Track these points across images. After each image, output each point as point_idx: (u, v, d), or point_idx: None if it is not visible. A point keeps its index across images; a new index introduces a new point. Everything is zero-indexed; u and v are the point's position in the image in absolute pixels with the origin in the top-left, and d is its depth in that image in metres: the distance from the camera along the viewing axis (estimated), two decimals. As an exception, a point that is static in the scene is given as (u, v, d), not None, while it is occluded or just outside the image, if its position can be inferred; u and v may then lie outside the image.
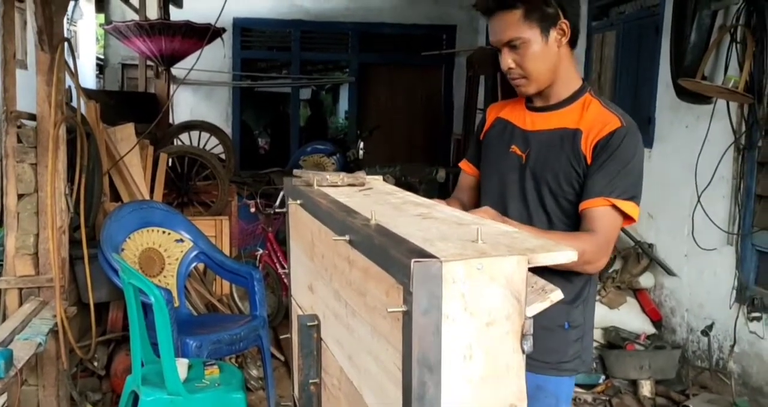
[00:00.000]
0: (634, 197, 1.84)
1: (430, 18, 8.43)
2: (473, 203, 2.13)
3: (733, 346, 3.92)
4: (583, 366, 2.01)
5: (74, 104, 4.30)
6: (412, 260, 0.88)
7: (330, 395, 1.37)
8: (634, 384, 4.17)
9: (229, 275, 3.88)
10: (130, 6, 7.44)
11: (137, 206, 3.83)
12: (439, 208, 1.37)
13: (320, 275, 1.42)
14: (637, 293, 4.73)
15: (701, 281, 4.25)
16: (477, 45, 8.27)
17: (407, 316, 0.91)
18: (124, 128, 4.52)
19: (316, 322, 1.40)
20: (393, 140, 8.41)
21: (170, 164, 5.05)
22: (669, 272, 4.54)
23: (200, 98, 8.21)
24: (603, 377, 4.30)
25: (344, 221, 1.19)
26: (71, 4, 8.47)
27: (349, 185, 1.62)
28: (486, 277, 0.93)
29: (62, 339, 3.19)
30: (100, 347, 3.77)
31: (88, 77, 12.60)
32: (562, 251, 1.02)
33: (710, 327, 3.97)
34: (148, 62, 6.68)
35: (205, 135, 6.03)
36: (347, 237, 1.15)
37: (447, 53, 8.38)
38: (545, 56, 1.86)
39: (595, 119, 1.88)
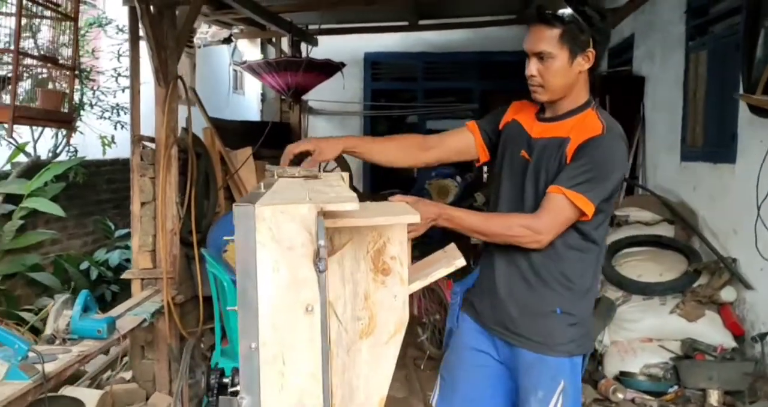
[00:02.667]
0: (589, 192, 2.05)
1: (550, 45, 8.70)
2: (433, 152, 2.41)
3: (799, 357, 3.93)
4: (580, 349, 2.23)
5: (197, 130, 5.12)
6: (234, 205, 1.38)
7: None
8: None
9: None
10: (273, 45, 8.41)
11: (240, 215, 4.51)
12: (338, 189, 1.81)
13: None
14: (721, 307, 4.75)
15: (773, 294, 4.27)
16: (601, 69, 8.43)
17: (236, 242, 1.40)
18: (243, 151, 5.28)
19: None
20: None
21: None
22: (746, 285, 4.56)
23: (334, 127, 9.01)
24: (675, 386, 4.39)
25: (258, 193, 1.70)
26: (230, 46, 9.63)
27: (304, 177, 2.10)
28: (287, 217, 1.39)
29: (167, 320, 3.90)
30: (208, 333, 4.47)
31: (253, 110, 13.95)
32: (349, 203, 1.45)
33: (763, 335, 3.99)
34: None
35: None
36: (250, 204, 1.66)
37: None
38: (565, 74, 2.12)
39: (585, 128, 2.13)
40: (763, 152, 4.34)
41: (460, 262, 2.05)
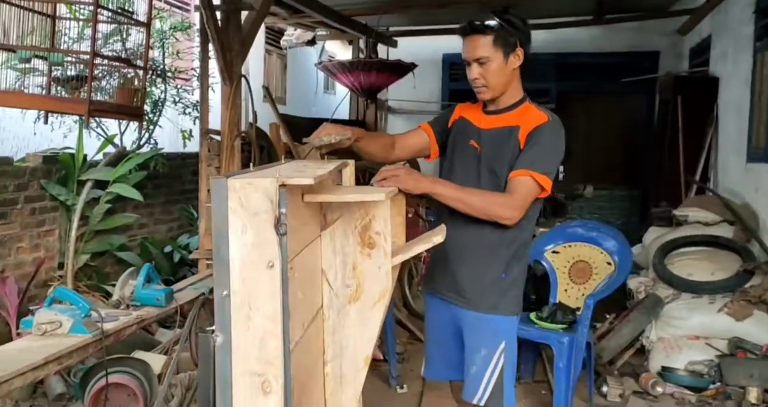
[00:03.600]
0: (548, 172, 2.41)
1: (630, 45, 8.68)
2: (397, 151, 2.76)
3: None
4: (517, 309, 2.58)
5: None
6: (210, 178, 1.70)
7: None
8: (748, 392, 4.26)
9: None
10: (361, 48, 8.78)
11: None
12: (319, 170, 2.10)
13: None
14: (770, 307, 4.74)
15: (818, 294, 4.24)
16: (682, 70, 8.34)
17: (212, 209, 1.72)
18: (309, 145, 5.66)
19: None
20: (591, 163, 8.76)
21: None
22: (795, 286, 4.54)
23: (413, 125, 9.26)
24: (717, 383, 4.42)
25: (246, 171, 2.02)
26: (318, 46, 10.06)
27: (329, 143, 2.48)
28: (253, 188, 1.70)
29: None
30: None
31: (343, 109, 14.47)
32: (305, 179, 1.74)
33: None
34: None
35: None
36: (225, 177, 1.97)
37: (647, 79, 8.54)
38: (503, 73, 2.47)
39: (531, 117, 2.48)
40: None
41: (438, 239, 2.31)
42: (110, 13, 3.68)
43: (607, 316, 5.09)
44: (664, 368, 4.57)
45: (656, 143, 7.82)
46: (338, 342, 2.31)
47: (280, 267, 1.74)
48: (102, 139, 4.98)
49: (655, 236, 5.94)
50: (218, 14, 4.30)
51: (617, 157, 9.11)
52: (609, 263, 4.42)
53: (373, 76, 6.84)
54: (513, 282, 2.55)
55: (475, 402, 2.50)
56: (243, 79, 4.43)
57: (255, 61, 10.00)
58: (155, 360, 4.14)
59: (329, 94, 13.32)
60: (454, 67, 9.30)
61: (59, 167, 4.72)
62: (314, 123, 7.00)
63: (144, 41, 3.97)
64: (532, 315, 4.22)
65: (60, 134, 4.94)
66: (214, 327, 1.75)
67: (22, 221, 4.44)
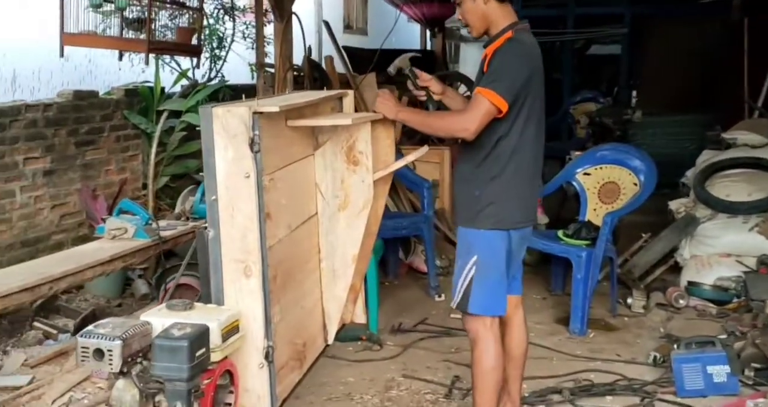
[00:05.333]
0: (495, 89, 2.52)
1: (710, -34, 8.43)
2: None
3: None
4: (496, 225, 2.70)
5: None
6: (200, 107, 2.16)
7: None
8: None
9: (410, 184, 5.19)
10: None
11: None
12: (295, 100, 2.53)
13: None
14: (804, 227, 4.85)
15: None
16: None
17: (202, 132, 2.19)
18: (368, 76, 6.03)
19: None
20: (666, 88, 8.68)
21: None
22: (824, 205, 4.65)
23: (484, 54, 9.44)
24: (741, 298, 4.63)
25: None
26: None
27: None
28: (231, 115, 2.15)
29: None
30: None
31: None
32: (273, 107, 2.17)
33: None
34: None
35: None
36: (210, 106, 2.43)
37: (726, 1, 8.27)
38: (475, 12, 2.69)
39: (496, 45, 2.65)
40: None
41: (410, 157, 2.71)
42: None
43: (643, 235, 5.31)
44: (690, 283, 4.81)
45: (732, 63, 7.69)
46: (330, 243, 2.79)
47: (256, 177, 2.20)
48: (176, 73, 5.54)
49: (705, 158, 6.03)
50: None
51: (692, 82, 8.96)
52: (635, 184, 4.65)
53: (435, 7, 7.07)
54: (490, 199, 2.68)
55: (452, 305, 2.84)
56: (294, 16, 4.83)
57: (332, -7, 10.34)
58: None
59: (413, 24, 13.48)
60: (526, -6, 9.32)
61: (139, 99, 5.33)
62: (372, 54, 7.33)
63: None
64: (559, 232, 4.55)
65: (139, 69, 5.53)
66: (207, 225, 2.26)
67: (109, 147, 5.10)
